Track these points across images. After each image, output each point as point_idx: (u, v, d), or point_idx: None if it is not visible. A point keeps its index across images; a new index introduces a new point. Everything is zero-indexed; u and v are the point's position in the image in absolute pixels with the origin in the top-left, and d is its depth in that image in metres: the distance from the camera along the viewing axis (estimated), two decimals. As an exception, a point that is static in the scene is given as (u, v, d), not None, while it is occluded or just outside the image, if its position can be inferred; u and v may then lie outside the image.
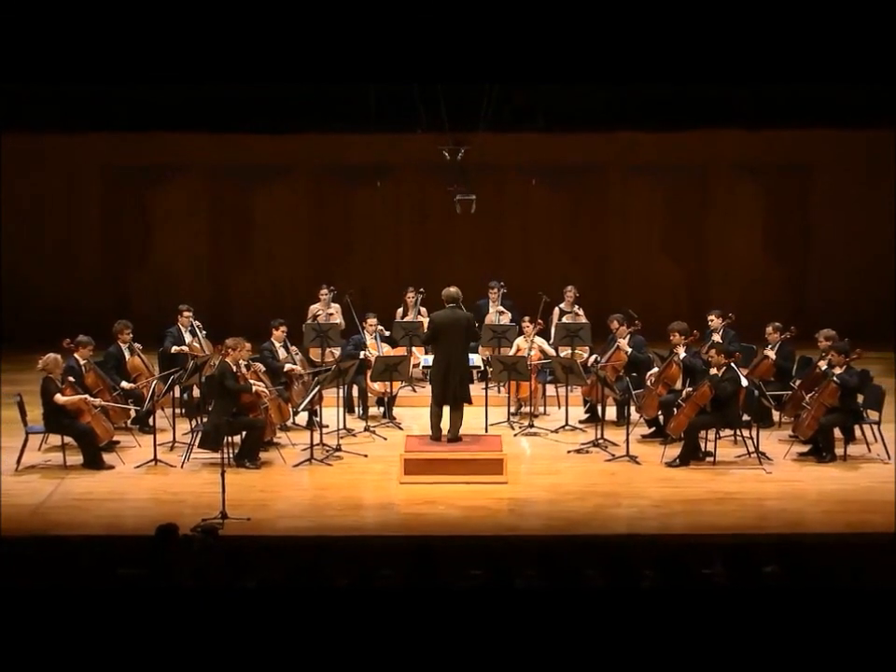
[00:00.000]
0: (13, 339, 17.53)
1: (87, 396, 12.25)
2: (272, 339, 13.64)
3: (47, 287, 18.97)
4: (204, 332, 14.39)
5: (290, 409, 13.19)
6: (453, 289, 12.26)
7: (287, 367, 13.44)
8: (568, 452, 12.73)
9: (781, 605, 6.67)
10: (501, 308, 15.62)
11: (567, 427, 13.50)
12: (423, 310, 15.38)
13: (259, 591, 7.02)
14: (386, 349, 14.53)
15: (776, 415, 13.45)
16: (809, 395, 12.38)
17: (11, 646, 6.36)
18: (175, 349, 13.93)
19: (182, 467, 12.20)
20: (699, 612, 6.59)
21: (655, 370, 13.27)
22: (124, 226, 19.48)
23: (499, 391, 14.50)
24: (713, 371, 12.20)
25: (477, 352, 14.52)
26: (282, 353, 13.64)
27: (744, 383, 12.36)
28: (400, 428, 13.67)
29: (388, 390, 13.95)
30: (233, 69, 11.33)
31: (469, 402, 12.29)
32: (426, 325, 13.55)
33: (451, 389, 12.02)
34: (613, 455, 12.44)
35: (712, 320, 14.00)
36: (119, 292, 19.15)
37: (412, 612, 6.54)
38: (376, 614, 6.52)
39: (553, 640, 6.35)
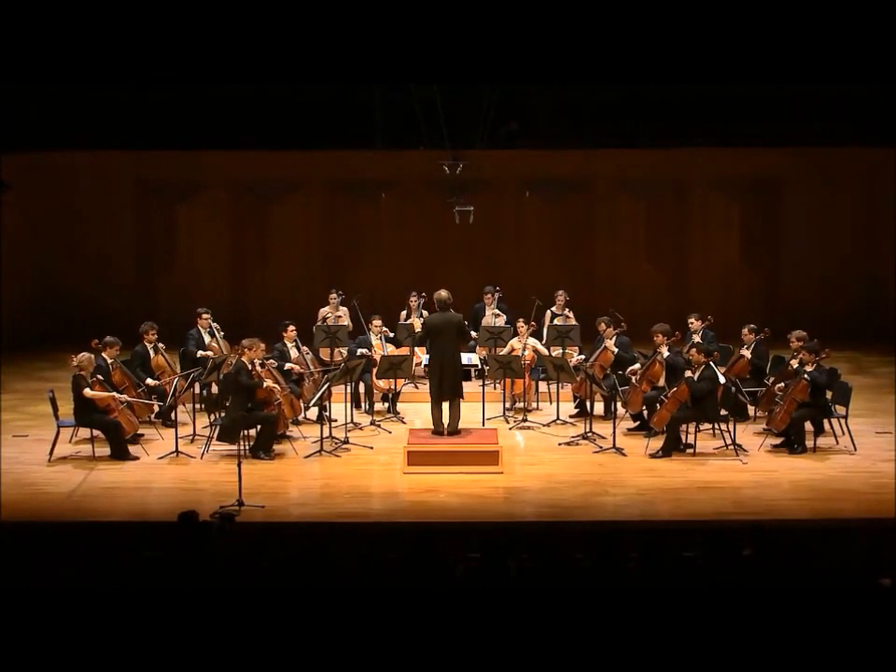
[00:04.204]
0: (49, 339, 17.52)
1: (115, 393, 12.20)
2: (283, 340, 13.57)
3: (83, 291, 18.93)
4: (222, 333, 14.33)
5: (302, 404, 13.13)
6: (443, 293, 12.22)
7: (288, 366, 13.34)
8: (559, 444, 12.67)
9: (757, 586, 6.63)
10: (497, 311, 15.56)
11: (558, 422, 13.44)
12: (425, 313, 15.30)
13: (272, 572, 6.96)
14: (391, 349, 14.48)
15: (751, 410, 13.39)
16: (782, 391, 12.32)
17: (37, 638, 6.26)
18: (200, 353, 13.81)
19: (202, 458, 12.14)
20: (680, 592, 6.54)
21: (637, 366, 13.22)
22: (154, 235, 19.46)
23: (495, 388, 14.43)
24: (691, 369, 12.17)
25: (475, 352, 14.48)
26: (293, 352, 13.57)
27: (721, 380, 12.31)
28: (404, 422, 13.60)
29: (392, 387, 13.89)
30: (235, 70, 11.18)
31: (461, 397, 12.23)
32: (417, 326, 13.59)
33: (445, 386, 11.98)
34: (601, 448, 12.38)
35: (692, 322, 13.96)
36: (149, 296, 19.10)
37: (413, 596, 6.48)
38: (380, 597, 6.45)
39: (545, 621, 6.28)
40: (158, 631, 6.25)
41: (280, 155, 18.09)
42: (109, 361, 12.58)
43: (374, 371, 13.54)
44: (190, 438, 12.73)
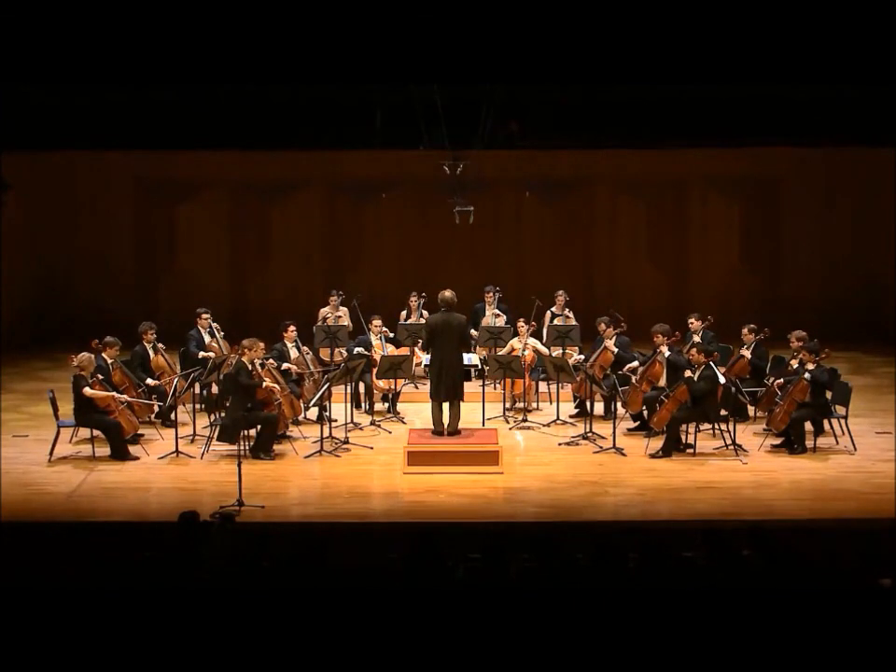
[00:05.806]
0: (49, 339, 17.53)
1: (115, 392, 12.20)
2: (283, 340, 13.56)
3: (83, 291, 18.93)
4: (222, 333, 14.32)
5: (302, 404, 13.12)
6: (448, 293, 12.19)
7: (284, 366, 13.31)
8: (559, 444, 12.67)
9: (756, 586, 6.62)
10: (497, 311, 15.57)
11: (558, 422, 13.44)
12: (425, 313, 15.32)
13: (272, 572, 6.96)
14: (391, 349, 14.47)
15: (751, 410, 13.39)
16: (781, 388, 12.32)
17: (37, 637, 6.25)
18: (202, 355, 13.79)
19: (202, 458, 12.13)
20: (680, 592, 6.53)
21: (635, 363, 13.23)
22: (154, 235, 19.46)
23: (495, 388, 14.43)
24: (691, 369, 12.18)
25: (475, 352, 14.48)
26: (294, 352, 13.56)
27: (722, 380, 12.30)
28: (404, 423, 13.60)
29: (392, 387, 13.89)
30: (235, 70, 11.17)
31: (461, 399, 12.22)
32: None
33: (444, 387, 11.98)
34: (601, 448, 12.38)
35: (692, 323, 13.96)
36: (149, 296, 19.10)
37: (413, 597, 6.47)
38: (379, 595, 6.45)
39: (545, 621, 6.28)
40: (158, 631, 6.25)
41: (280, 155, 18.11)
42: (109, 361, 12.57)
43: (374, 370, 13.53)
44: (190, 438, 12.72)
